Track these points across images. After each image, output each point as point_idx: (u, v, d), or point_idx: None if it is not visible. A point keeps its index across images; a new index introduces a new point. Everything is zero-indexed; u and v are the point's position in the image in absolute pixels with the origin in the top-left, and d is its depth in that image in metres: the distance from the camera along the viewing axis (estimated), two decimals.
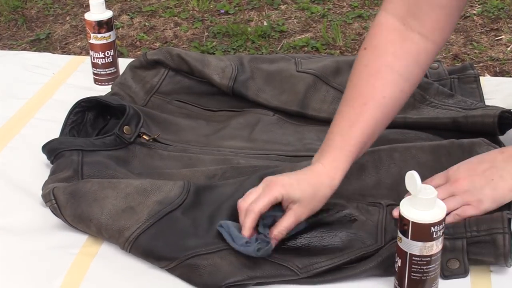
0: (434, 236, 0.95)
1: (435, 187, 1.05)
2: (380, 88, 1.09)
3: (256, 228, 1.05)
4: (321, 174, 1.07)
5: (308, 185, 1.06)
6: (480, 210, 1.06)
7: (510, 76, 2.55)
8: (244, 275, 1.03)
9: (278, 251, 1.06)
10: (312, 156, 1.26)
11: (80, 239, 1.15)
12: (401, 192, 1.10)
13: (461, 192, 1.08)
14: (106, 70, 1.62)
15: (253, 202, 1.05)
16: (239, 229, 1.05)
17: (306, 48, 2.84)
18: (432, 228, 0.94)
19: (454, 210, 1.06)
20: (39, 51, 2.86)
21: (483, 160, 1.10)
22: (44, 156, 1.29)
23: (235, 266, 1.04)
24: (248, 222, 1.04)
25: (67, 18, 3.22)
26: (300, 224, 1.08)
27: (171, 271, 1.07)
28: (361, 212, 1.12)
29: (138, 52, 2.89)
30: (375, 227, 1.09)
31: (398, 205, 0.98)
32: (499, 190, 1.06)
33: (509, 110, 1.30)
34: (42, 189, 1.19)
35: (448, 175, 1.11)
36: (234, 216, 1.10)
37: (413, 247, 0.95)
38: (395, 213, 1.09)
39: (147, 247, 1.08)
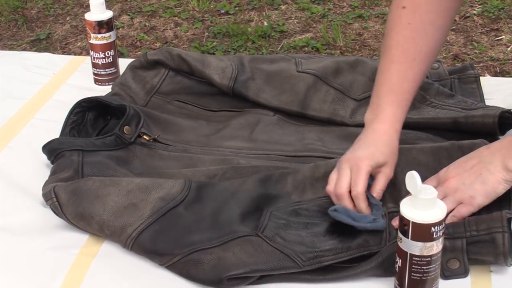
0: (434, 236, 0.95)
1: None
2: (425, 44, 1.17)
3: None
4: (388, 132, 1.14)
5: (386, 146, 1.13)
6: (474, 207, 1.07)
7: (510, 76, 2.55)
8: (247, 267, 1.03)
9: (284, 237, 1.07)
10: (312, 157, 1.26)
11: (80, 239, 1.15)
12: (401, 193, 1.10)
13: (452, 191, 1.08)
14: (106, 70, 1.62)
15: (353, 186, 1.10)
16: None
17: (306, 48, 2.84)
18: (432, 228, 0.94)
19: (450, 211, 1.06)
20: (39, 51, 2.86)
21: (471, 157, 1.11)
22: (44, 156, 1.29)
23: (238, 257, 1.04)
24: (363, 206, 1.10)
25: (67, 18, 3.22)
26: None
27: (172, 267, 1.07)
28: None
29: (138, 52, 2.89)
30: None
31: (399, 211, 0.98)
32: (488, 183, 1.06)
33: (509, 110, 1.30)
34: (43, 189, 1.19)
35: (439, 177, 1.12)
36: (242, 212, 1.12)
37: (414, 247, 0.95)
38: (394, 223, 1.09)
39: (150, 243, 1.08)
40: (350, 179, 1.10)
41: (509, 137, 1.08)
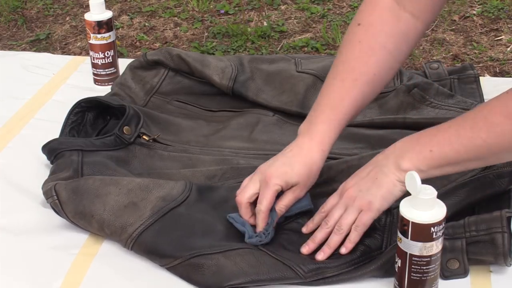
0: (434, 236, 0.95)
1: (331, 207, 1.08)
2: (372, 66, 1.13)
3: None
4: (312, 151, 1.11)
5: (303, 166, 1.10)
6: (373, 212, 1.05)
7: (510, 77, 2.55)
8: (248, 277, 1.02)
9: (286, 249, 1.07)
10: None
11: (80, 239, 1.15)
12: None
13: (352, 200, 1.07)
14: (106, 70, 1.62)
15: (258, 202, 1.09)
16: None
17: (306, 49, 2.84)
18: (432, 228, 0.94)
19: (353, 223, 1.06)
20: (39, 51, 2.86)
21: (367, 165, 1.09)
22: (44, 156, 1.29)
23: (239, 267, 1.04)
24: (260, 224, 1.09)
25: (67, 19, 3.22)
26: (303, 203, 1.13)
27: (173, 269, 1.07)
28: None
29: (138, 53, 2.89)
30: (382, 233, 1.09)
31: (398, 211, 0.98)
32: (384, 186, 1.05)
33: None
34: (42, 188, 1.19)
35: (340, 190, 1.11)
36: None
37: (413, 247, 0.95)
38: (304, 229, 1.11)
39: (151, 244, 1.08)
40: (257, 191, 1.10)
41: (402, 139, 1.06)
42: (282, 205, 1.11)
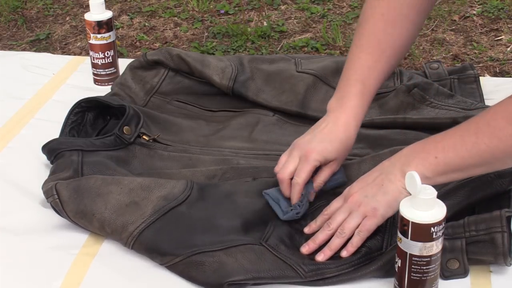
0: (434, 236, 0.95)
1: (335, 210, 1.08)
2: (397, 37, 1.17)
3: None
4: (347, 126, 1.15)
5: (340, 143, 1.14)
6: (378, 218, 1.06)
7: (510, 77, 2.55)
8: (248, 274, 1.03)
9: (288, 245, 1.08)
10: None
11: (80, 239, 1.15)
12: None
13: (357, 206, 1.07)
14: (106, 70, 1.62)
15: (296, 175, 1.13)
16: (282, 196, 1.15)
17: (306, 49, 2.84)
18: (432, 228, 0.94)
19: (356, 227, 1.06)
20: (39, 51, 2.86)
21: (373, 170, 1.10)
22: (44, 156, 1.29)
23: (240, 263, 1.04)
24: (295, 196, 1.12)
25: (67, 19, 3.22)
26: (338, 177, 1.17)
27: (173, 267, 1.07)
28: None
29: (138, 53, 2.89)
30: (382, 234, 1.09)
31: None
32: (389, 193, 1.05)
33: None
34: (43, 187, 1.19)
35: (344, 195, 1.11)
36: (245, 223, 1.12)
37: (413, 247, 0.95)
38: (306, 230, 1.12)
39: (151, 242, 1.08)
40: (297, 166, 1.13)
41: (408, 146, 1.07)
42: (321, 180, 1.14)
